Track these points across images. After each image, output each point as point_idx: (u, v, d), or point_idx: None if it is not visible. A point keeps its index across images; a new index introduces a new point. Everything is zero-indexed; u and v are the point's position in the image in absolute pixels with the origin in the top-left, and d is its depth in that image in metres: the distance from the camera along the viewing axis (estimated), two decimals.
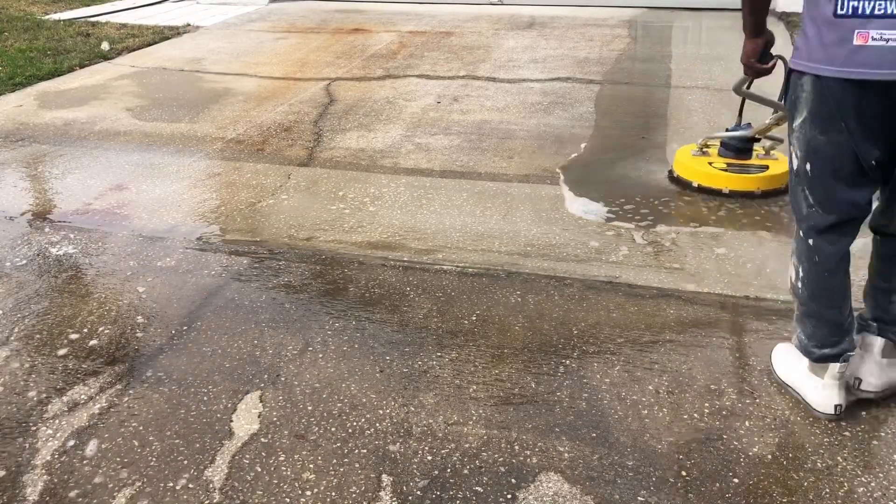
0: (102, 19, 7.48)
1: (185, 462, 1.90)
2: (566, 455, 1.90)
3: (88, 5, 8.32)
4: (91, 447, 1.95)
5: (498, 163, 3.74)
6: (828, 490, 1.78)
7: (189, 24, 7.28)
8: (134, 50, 6.26)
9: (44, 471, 1.88)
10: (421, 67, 5.58)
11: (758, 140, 3.36)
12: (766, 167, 3.33)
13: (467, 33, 6.74)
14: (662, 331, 2.39)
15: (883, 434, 1.95)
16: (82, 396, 2.14)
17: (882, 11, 1.62)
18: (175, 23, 7.33)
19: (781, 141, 3.20)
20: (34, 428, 2.02)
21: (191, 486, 1.83)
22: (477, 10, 7.91)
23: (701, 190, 3.33)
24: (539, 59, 5.74)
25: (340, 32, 6.90)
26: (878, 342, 2.02)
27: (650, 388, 2.13)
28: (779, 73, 2.09)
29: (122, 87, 5.22)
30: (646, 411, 2.04)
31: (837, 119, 1.77)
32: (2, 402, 2.12)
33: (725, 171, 3.31)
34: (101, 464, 1.90)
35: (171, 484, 1.83)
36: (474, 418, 2.03)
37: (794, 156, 1.93)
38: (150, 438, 1.98)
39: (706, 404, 2.06)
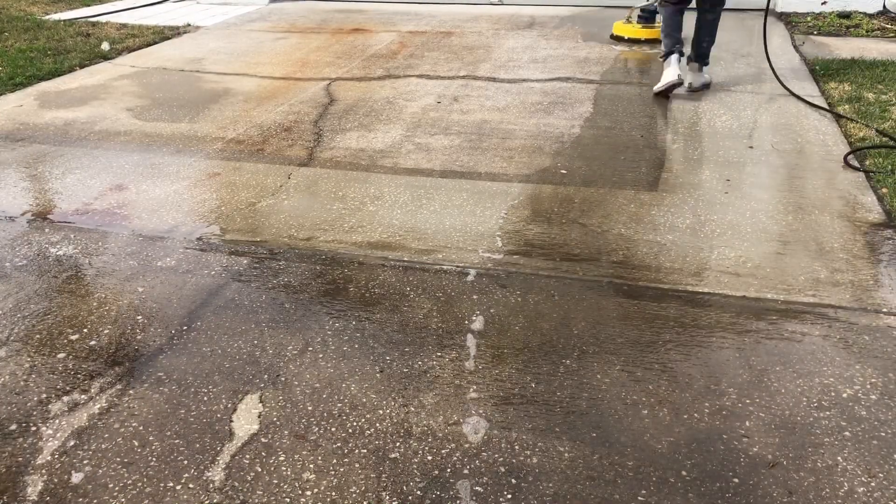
0: (102, 19, 7.48)
1: (185, 462, 1.90)
2: (566, 455, 1.90)
3: (88, 5, 8.32)
4: (91, 447, 1.95)
5: (498, 163, 3.74)
6: (828, 490, 1.78)
7: (189, 24, 7.28)
8: (134, 50, 6.26)
9: (44, 471, 1.88)
10: (421, 67, 5.58)
11: (658, 11, 5.57)
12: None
13: (467, 33, 6.74)
14: (662, 331, 2.39)
15: (883, 434, 1.95)
16: (82, 396, 2.14)
17: None
18: (175, 23, 7.33)
19: None
20: (34, 428, 2.03)
21: (191, 486, 1.83)
22: (477, 10, 7.91)
23: (630, 41, 6.18)
24: (539, 59, 5.74)
25: (340, 32, 6.90)
26: (694, 65, 4.84)
27: (650, 388, 2.13)
28: None
29: (122, 87, 5.22)
30: (646, 411, 2.04)
31: None
32: (2, 403, 2.12)
33: (642, 29, 6.16)
34: (102, 464, 1.90)
35: (171, 484, 1.84)
36: (474, 418, 2.03)
37: None
38: (150, 438, 1.98)
39: (706, 404, 2.06)
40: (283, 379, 2.20)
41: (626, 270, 2.73)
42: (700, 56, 4.79)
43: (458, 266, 2.79)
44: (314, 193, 3.44)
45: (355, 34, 6.81)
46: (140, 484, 1.83)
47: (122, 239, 3.05)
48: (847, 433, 1.95)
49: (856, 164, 3.57)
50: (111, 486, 1.83)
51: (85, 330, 2.45)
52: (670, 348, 2.30)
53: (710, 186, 3.41)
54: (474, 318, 2.47)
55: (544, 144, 3.97)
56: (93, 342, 2.39)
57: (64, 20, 7.33)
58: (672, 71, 4.61)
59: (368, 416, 2.05)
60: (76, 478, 1.86)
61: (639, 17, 6.18)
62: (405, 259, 2.85)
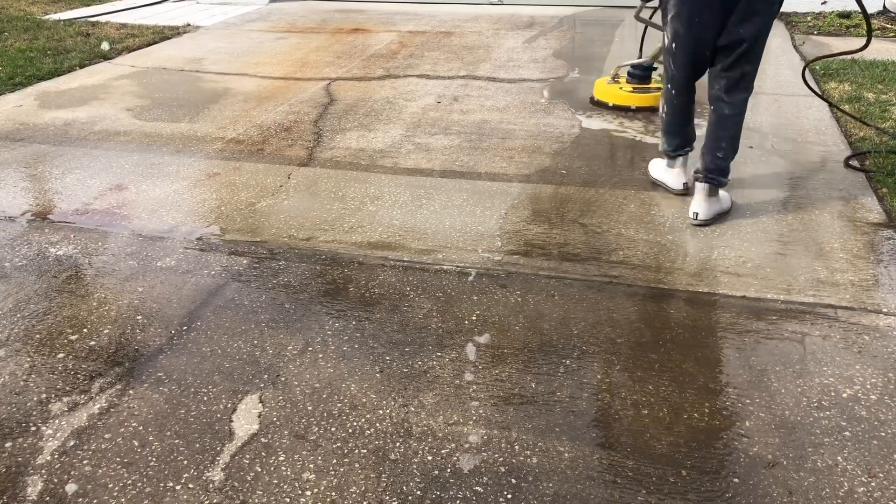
0: (102, 19, 7.48)
1: (185, 462, 1.90)
2: (566, 455, 1.90)
3: (88, 5, 8.32)
4: (91, 447, 1.95)
5: (498, 163, 3.74)
6: (828, 490, 1.78)
7: (189, 24, 7.28)
8: (134, 50, 6.26)
9: (44, 471, 1.88)
10: (421, 67, 5.58)
11: (655, 69, 4.47)
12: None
13: (467, 33, 6.74)
14: (662, 331, 2.39)
15: (883, 434, 1.95)
16: (82, 396, 2.14)
17: None
18: (175, 23, 7.33)
19: None
20: (34, 428, 2.03)
21: (191, 486, 1.83)
22: (477, 9, 7.92)
23: (615, 108, 4.48)
24: (539, 59, 5.74)
25: (340, 32, 6.90)
26: (704, 187, 3.04)
27: (650, 388, 2.13)
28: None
29: (122, 87, 5.22)
30: (646, 411, 2.04)
31: (687, 12, 2.86)
32: (2, 403, 2.12)
33: (633, 92, 4.46)
34: (101, 464, 1.90)
35: (171, 484, 1.84)
36: (474, 418, 2.03)
37: (666, 38, 3.05)
38: (150, 438, 1.98)
39: (706, 404, 2.06)
40: (283, 379, 2.20)
41: (625, 270, 2.73)
42: (714, 171, 3.02)
43: (458, 266, 2.79)
44: (314, 193, 3.44)
45: (355, 34, 6.81)
46: (140, 484, 1.83)
47: (121, 239, 3.05)
48: (847, 433, 1.95)
49: (856, 164, 3.56)
50: (111, 486, 1.83)
51: (85, 330, 2.45)
52: (670, 348, 2.30)
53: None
54: (474, 318, 2.47)
55: (544, 144, 3.97)
56: (92, 342, 2.39)
57: (64, 20, 7.33)
58: (676, 176, 3.29)
59: (368, 416, 2.05)
60: (76, 478, 1.86)
61: (629, 74, 4.51)
62: (405, 259, 2.84)
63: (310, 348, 2.33)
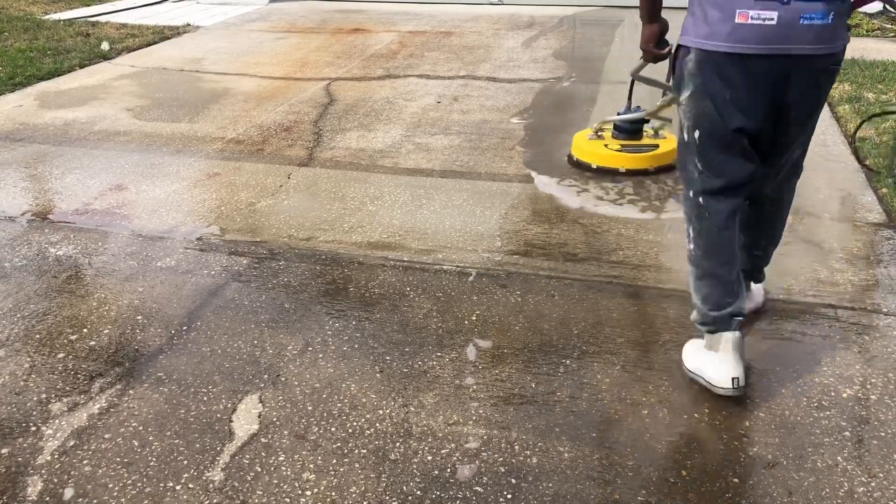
0: (102, 19, 7.48)
1: (185, 462, 1.90)
2: (566, 455, 1.90)
3: (88, 5, 8.32)
4: (91, 447, 1.95)
5: (498, 163, 3.74)
6: (828, 490, 1.78)
7: (189, 24, 7.28)
8: (134, 50, 6.26)
9: (44, 471, 1.88)
10: (421, 67, 5.58)
11: (647, 122, 3.64)
12: (657, 146, 3.60)
13: (467, 33, 6.74)
14: (662, 331, 2.39)
15: (883, 434, 1.95)
16: (82, 396, 2.14)
17: None
18: (175, 23, 7.33)
19: (670, 121, 3.49)
20: (34, 428, 2.02)
21: (191, 486, 1.83)
22: (477, 10, 7.92)
23: (599, 170, 3.56)
24: (539, 59, 5.74)
25: (340, 32, 6.90)
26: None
27: (650, 388, 2.13)
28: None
29: (122, 87, 5.22)
30: (646, 411, 2.04)
31: (720, 91, 1.95)
32: (2, 403, 2.12)
33: (620, 151, 3.57)
34: (101, 464, 1.89)
35: (171, 484, 1.83)
36: (474, 418, 2.03)
37: (683, 128, 2.10)
38: (150, 438, 1.98)
39: (706, 404, 2.06)
40: (283, 379, 2.19)
41: (625, 270, 2.73)
42: (754, 270, 2.37)
43: (458, 266, 2.79)
44: (314, 193, 3.44)
45: (355, 34, 6.81)
46: (140, 484, 1.83)
47: (121, 239, 3.05)
48: (847, 433, 1.95)
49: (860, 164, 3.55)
50: (111, 486, 1.83)
51: (84, 330, 2.45)
52: (670, 348, 2.30)
53: None
54: (474, 318, 2.47)
55: (545, 144, 3.97)
56: (92, 342, 2.39)
57: (64, 20, 7.33)
58: (722, 367, 2.06)
59: (368, 415, 2.04)
60: (76, 478, 1.86)
61: (616, 128, 3.66)
62: (405, 259, 2.84)
63: (310, 348, 2.33)
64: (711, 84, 1.95)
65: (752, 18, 1.85)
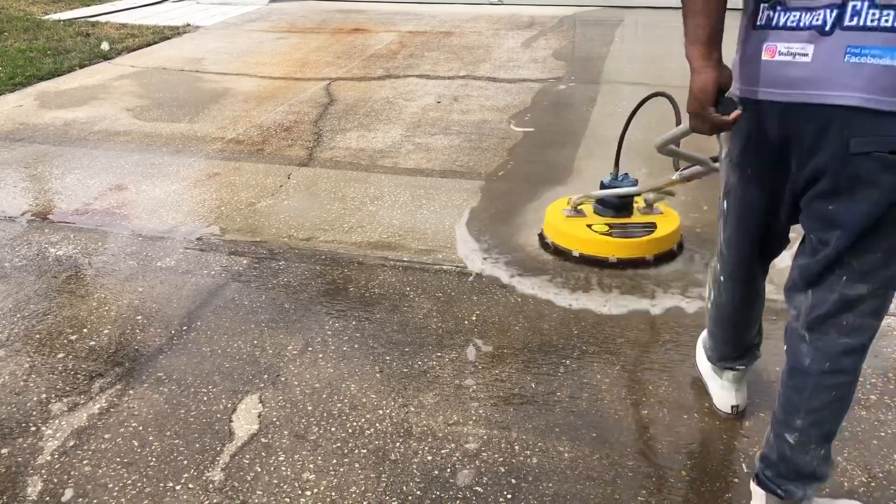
0: (102, 19, 7.48)
1: (185, 462, 1.90)
2: (566, 455, 1.90)
3: (88, 5, 8.32)
4: (91, 447, 1.95)
5: (498, 163, 3.74)
6: (828, 490, 1.78)
7: (189, 24, 7.28)
8: (134, 50, 6.26)
9: (44, 471, 1.88)
10: (421, 67, 5.58)
11: (639, 194, 2.86)
12: (654, 225, 2.83)
13: (467, 33, 6.74)
14: (662, 331, 2.39)
15: (883, 434, 1.95)
16: (82, 396, 2.14)
17: (794, 24, 1.34)
18: (175, 23, 7.33)
19: (673, 195, 2.90)
20: (34, 428, 2.02)
21: (191, 486, 1.83)
22: (477, 10, 7.92)
23: (583, 259, 2.79)
24: (539, 59, 5.74)
25: (340, 32, 6.90)
26: (761, 494, 1.66)
27: (650, 388, 2.13)
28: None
29: (122, 87, 5.22)
30: (646, 411, 2.04)
31: (746, 162, 1.51)
32: (2, 403, 2.12)
33: (608, 234, 2.80)
34: (101, 464, 1.89)
35: (171, 484, 1.83)
36: (474, 418, 2.03)
37: (721, 189, 1.69)
38: (150, 438, 1.98)
39: (706, 404, 2.06)
40: (283, 379, 2.19)
41: (625, 270, 2.73)
42: (776, 468, 1.64)
43: (458, 266, 2.79)
44: (314, 193, 3.44)
45: (355, 34, 6.81)
46: (140, 484, 1.83)
47: (121, 239, 3.05)
48: (847, 433, 1.95)
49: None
50: (111, 486, 1.83)
51: (84, 330, 2.45)
52: (670, 348, 2.30)
53: (710, 185, 3.41)
54: (474, 318, 2.47)
55: (545, 144, 3.97)
56: (92, 342, 2.39)
57: (64, 20, 7.33)
58: (724, 394, 2.03)
59: (368, 415, 2.04)
60: (76, 478, 1.86)
61: (600, 202, 2.93)
62: (405, 259, 2.84)
63: (310, 348, 2.33)
64: (737, 144, 1.52)
65: (780, 53, 1.36)
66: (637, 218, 2.88)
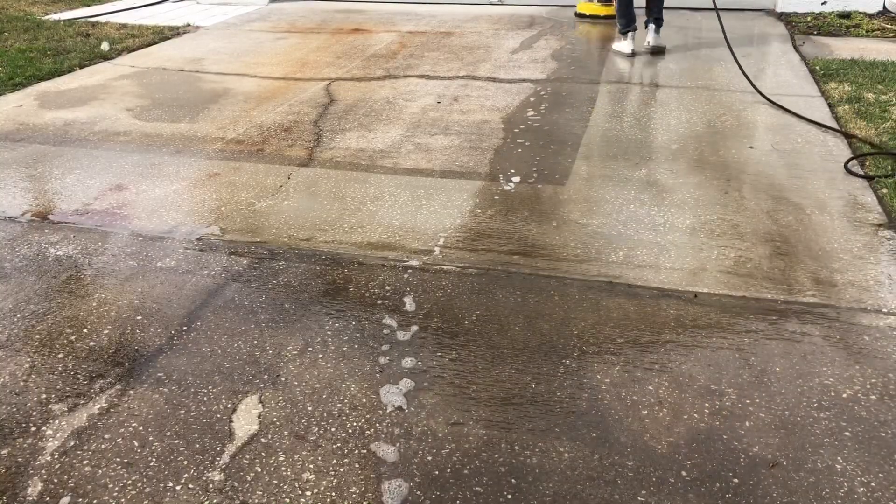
0: (102, 19, 7.48)
1: (185, 462, 1.90)
2: (566, 455, 1.90)
3: (88, 5, 8.32)
4: (91, 447, 1.95)
5: (499, 163, 3.74)
6: (828, 490, 1.78)
7: (189, 25, 7.28)
8: (134, 50, 6.26)
9: (44, 471, 1.88)
10: (421, 67, 5.58)
11: None
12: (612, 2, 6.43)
13: (467, 33, 6.74)
14: (662, 331, 2.39)
15: (883, 434, 1.95)
16: (82, 397, 2.14)
17: None
18: (175, 23, 7.33)
19: None
20: (34, 428, 2.03)
21: (191, 486, 1.83)
22: (477, 10, 7.91)
23: (592, 16, 7.05)
24: (539, 59, 5.74)
25: (340, 32, 6.90)
26: (651, 26, 5.62)
27: (650, 388, 2.13)
28: None
29: (122, 87, 5.22)
30: (646, 411, 2.04)
31: None
32: (2, 403, 2.12)
33: (601, 5, 6.96)
34: (101, 464, 1.90)
35: (171, 484, 1.84)
36: (474, 418, 2.03)
37: None
38: (150, 438, 1.98)
39: (706, 404, 2.06)
40: (283, 379, 2.20)
41: (626, 270, 2.73)
42: (656, 19, 5.67)
43: (458, 266, 2.79)
44: (314, 194, 3.44)
45: (355, 34, 6.81)
46: (140, 484, 1.83)
47: (121, 239, 3.05)
48: (847, 433, 1.95)
49: (857, 170, 3.53)
50: (111, 486, 1.83)
51: (84, 330, 2.45)
52: (670, 348, 2.30)
53: (710, 186, 3.41)
54: (474, 317, 2.47)
55: (546, 144, 3.97)
56: (92, 342, 2.39)
57: (64, 20, 7.33)
58: (627, 45, 5.67)
59: (368, 416, 2.05)
60: (76, 478, 1.86)
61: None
62: (405, 259, 2.84)
63: (310, 348, 2.33)
64: None
65: None
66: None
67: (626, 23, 5.59)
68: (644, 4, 5.66)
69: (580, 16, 7.12)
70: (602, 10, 6.92)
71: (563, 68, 5.48)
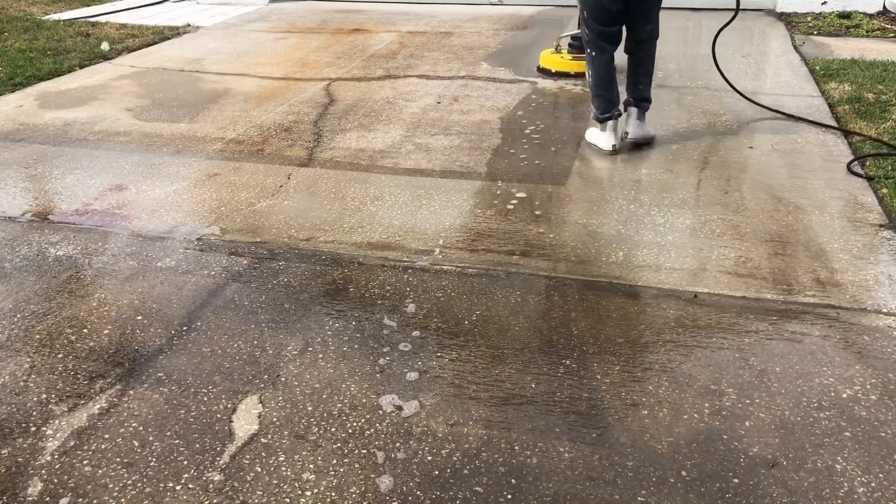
0: (102, 19, 7.48)
1: (185, 462, 1.90)
2: (566, 455, 1.90)
3: (88, 5, 8.31)
4: (91, 447, 1.95)
5: (499, 163, 3.73)
6: (828, 490, 1.78)
7: (189, 25, 7.28)
8: (134, 50, 6.26)
9: (44, 471, 1.88)
10: (421, 67, 5.58)
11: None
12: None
13: (467, 33, 6.74)
14: (662, 331, 2.39)
15: (883, 434, 1.95)
16: (82, 397, 2.14)
17: None
18: (175, 23, 7.33)
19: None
20: (34, 428, 2.03)
21: (191, 486, 1.83)
22: (477, 10, 7.91)
23: (558, 74, 5.27)
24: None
25: (340, 32, 6.90)
26: (634, 110, 3.86)
27: (650, 388, 2.13)
28: None
29: (122, 87, 5.22)
30: (646, 411, 2.04)
31: None
32: (2, 403, 2.12)
33: (573, 61, 5.24)
34: (102, 464, 1.90)
35: (171, 484, 1.84)
36: (474, 418, 2.03)
37: (582, 13, 3.76)
38: (150, 438, 1.98)
39: (706, 404, 2.06)
40: (283, 379, 2.20)
41: (626, 271, 2.73)
42: (640, 100, 3.83)
43: (457, 266, 2.79)
44: (314, 194, 3.44)
45: (355, 34, 6.81)
46: (140, 484, 1.83)
47: (121, 239, 3.05)
48: (847, 433, 1.95)
49: (859, 171, 3.53)
50: (111, 486, 1.83)
51: (84, 330, 2.45)
52: (670, 349, 2.30)
53: (710, 186, 3.41)
54: (474, 317, 2.47)
55: (546, 144, 3.97)
56: (92, 342, 2.39)
57: (64, 20, 7.33)
58: (607, 137, 3.78)
59: (368, 416, 2.05)
60: (76, 478, 1.86)
61: (570, 45, 5.25)
62: (405, 259, 2.84)
63: (310, 348, 2.33)
64: None
65: None
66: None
67: (605, 106, 3.75)
68: (626, 68, 3.88)
69: (544, 71, 5.33)
70: (573, 67, 5.19)
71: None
